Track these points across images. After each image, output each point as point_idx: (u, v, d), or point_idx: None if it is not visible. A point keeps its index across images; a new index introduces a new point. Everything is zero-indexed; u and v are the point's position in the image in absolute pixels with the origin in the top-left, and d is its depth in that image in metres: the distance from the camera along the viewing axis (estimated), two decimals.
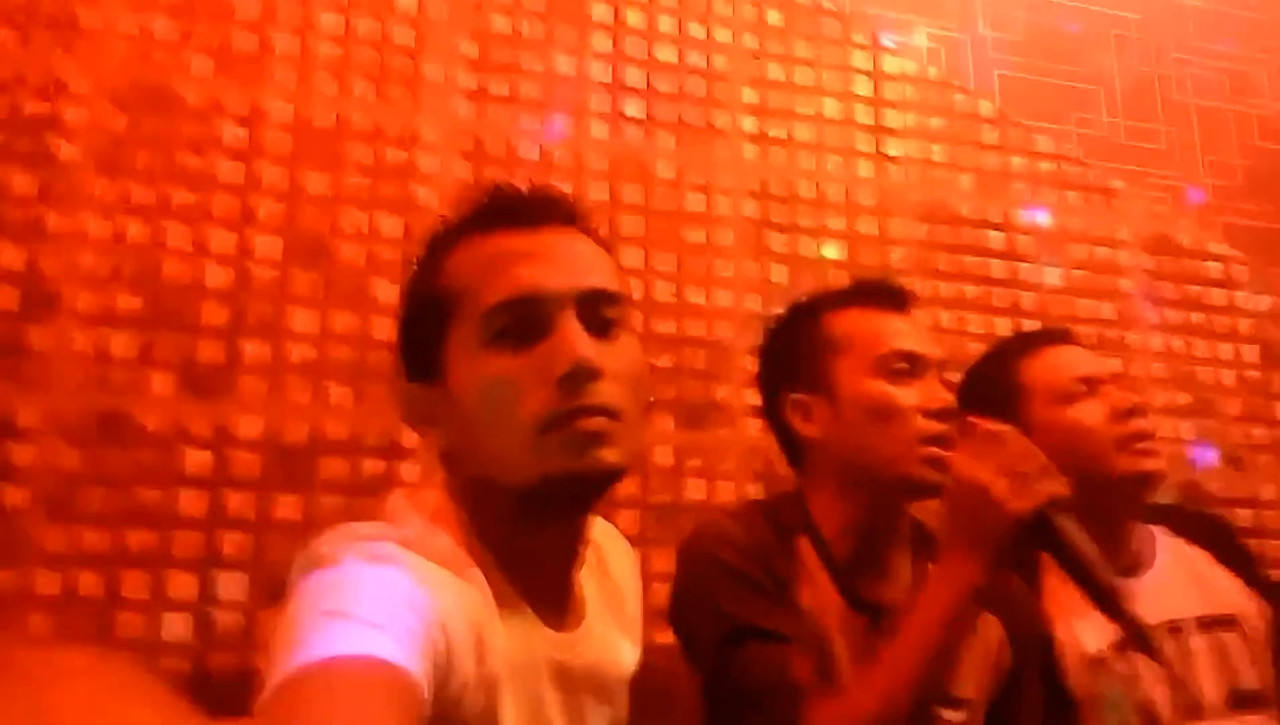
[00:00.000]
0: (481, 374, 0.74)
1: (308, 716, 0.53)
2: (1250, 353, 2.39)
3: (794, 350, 1.22)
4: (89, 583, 1.51)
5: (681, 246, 1.98)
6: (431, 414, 0.78)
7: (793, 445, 1.23)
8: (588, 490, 0.75)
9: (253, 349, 1.67)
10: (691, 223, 1.99)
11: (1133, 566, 1.32)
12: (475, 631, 0.68)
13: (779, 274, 2.03)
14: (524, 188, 0.82)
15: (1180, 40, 2.53)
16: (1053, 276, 2.26)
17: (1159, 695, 1.25)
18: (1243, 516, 2.26)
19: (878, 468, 1.13)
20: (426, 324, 0.78)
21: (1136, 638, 1.13)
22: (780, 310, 1.32)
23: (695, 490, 1.86)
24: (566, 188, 1.90)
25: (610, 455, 0.72)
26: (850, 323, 1.20)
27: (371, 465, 1.68)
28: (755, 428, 1.93)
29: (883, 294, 1.22)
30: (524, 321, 0.74)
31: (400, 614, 0.62)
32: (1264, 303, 2.44)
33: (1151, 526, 1.39)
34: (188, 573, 1.56)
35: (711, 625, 1.07)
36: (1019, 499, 1.01)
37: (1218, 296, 2.40)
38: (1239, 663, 1.30)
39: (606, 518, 1.76)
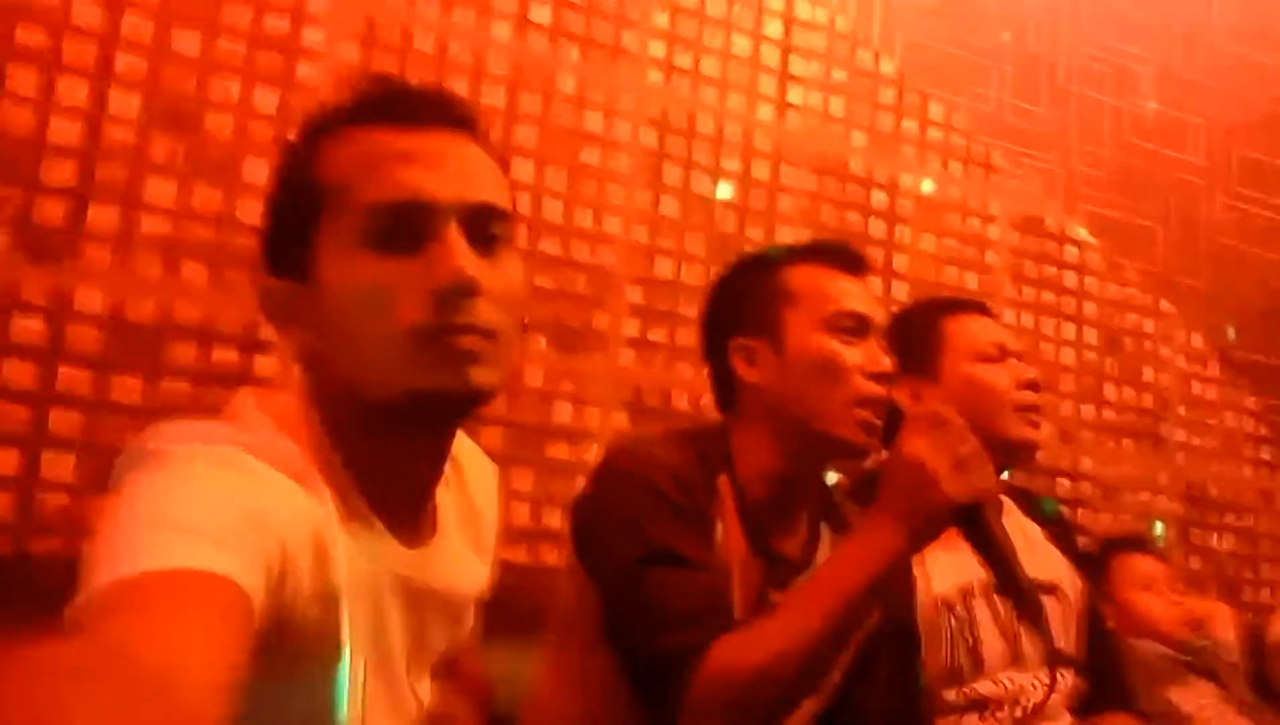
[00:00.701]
0: (354, 276, 0.69)
1: (123, 636, 0.49)
2: (1091, 336, 2.56)
3: (747, 297, 1.22)
4: None
5: (575, 167, 1.93)
6: (294, 312, 0.73)
7: (728, 387, 1.23)
8: (455, 409, 0.73)
9: (99, 214, 1.53)
10: (588, 143, 1.95)
11: None
12: (314, 544, 0.65)
13: (670, 207, 2.02)
14: (415, 85, 0.76)
15: (1076, 29, 2.62)
16: (928, 242, 2.33)
17: (990, 643, 1.36)
18: (1063, 487, 2.44)
19: (813, 420, 1.14)
20: (296, 217, 0.72)
21: (1046, 636, 1.18)
22: (732, 260, 1.32)
23: (562, 414, 1.85)
24: (462, 88, 1.82)
25: (482, 376, 0.69)
26: (805, 277, 1.20)
27: (224, 354, 1.59)
28: (630, 357, 1.94)
29: (840, 255, 1.23)
30: (405, 226, 0.69)
31: (229, 521, 0.58)
32: (1111, 290, 2.60)
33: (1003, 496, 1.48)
34: (10, 448, 1.44)
35: (631, 545, 1.07)
36: (958, 484, 1.03)
37: (1070, 279, 2.55)
38: (1055, 625, 1.41)
39: (469, 434, 1.75)
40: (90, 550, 0.55)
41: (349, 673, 0.68)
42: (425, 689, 0.79)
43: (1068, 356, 2.51)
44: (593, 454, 1.86)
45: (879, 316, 1.20)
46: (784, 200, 2.15)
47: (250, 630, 0.55)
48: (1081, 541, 2.33)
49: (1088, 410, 2.52)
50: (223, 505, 0.59)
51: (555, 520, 1.80)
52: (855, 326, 1.16)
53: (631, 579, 1.06)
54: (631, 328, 1.94)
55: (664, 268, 1.99)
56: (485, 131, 0.76)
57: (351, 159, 0.71)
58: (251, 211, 1.61)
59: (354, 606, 0.68)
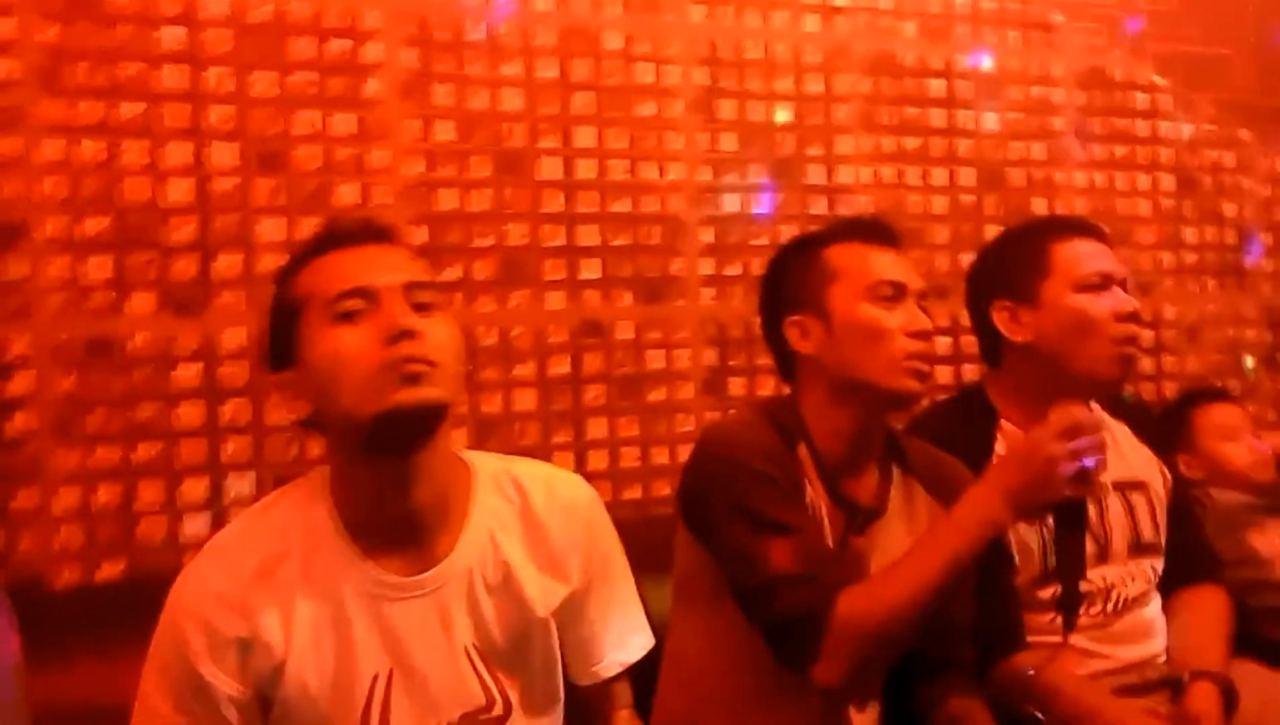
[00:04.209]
0: (330, 346, 0.95)
1: None
2: (1168, 182, 2.54)
3: (795, 278, 1.36)
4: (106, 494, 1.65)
5: (633, 122, 2.01)
6: (298, 390, 0.99)
7: (788, 361, 1.39)
8: (412, 422, 0.94)
9: (225, 262, 1.72)
10: (642, 97, 2.01)
11: None
12: (245, 635, 0.95)
13: (729, 142, 2.08)
14: (352, 219, 1.06)
15: None
16: (990, 121, 2.33)
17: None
18: (1147, 337, 2.50)
19: (867, 380, 1.28)
20: (285, 323, 0.99)
21: (1070, 615, 1.32)
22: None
23: (655, 360, 2.01)
24: (515, 70, 1.90)
25: (429, 392, 0.93)
26: (845, 255, 1.34)
27: None
28: (709, 297, 2.07)
29: (875, 230, 1.37)
30: (360, 304, 0.95)
31: (184, 695, 0.95)
32: (1185, 131, 2.56)
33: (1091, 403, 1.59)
34: (199, 478, 1.70)
35: (741, 523, 1.23)
36: (1076, 483, 1.17)
37: (1142, 128, 2.51)
38: (1142, 519, 1.55)
39: (577, 394, 1.91)
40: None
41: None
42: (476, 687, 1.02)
43: (1144, 208, 2.51)
44: (688, 393, 2.03)
45: (915, 282, 1.33)
46: (839, 111, 2.18)
47: None
48: (1168, 388, 2.44)
49: (1168, 258, 2.54)
50: (165, 673, 0.96)
51: (663, 457, 2.00)
52: (893, 293, 1.30)
53: (748, 552, 1.23)
54: (707, 267, 2.06)
55: (731, 203, 2.08)
56: (402, 238, 1.08)
57: (315, 274, 0.99)
58: None
59: (313, 627, 0.97)
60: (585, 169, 1.97)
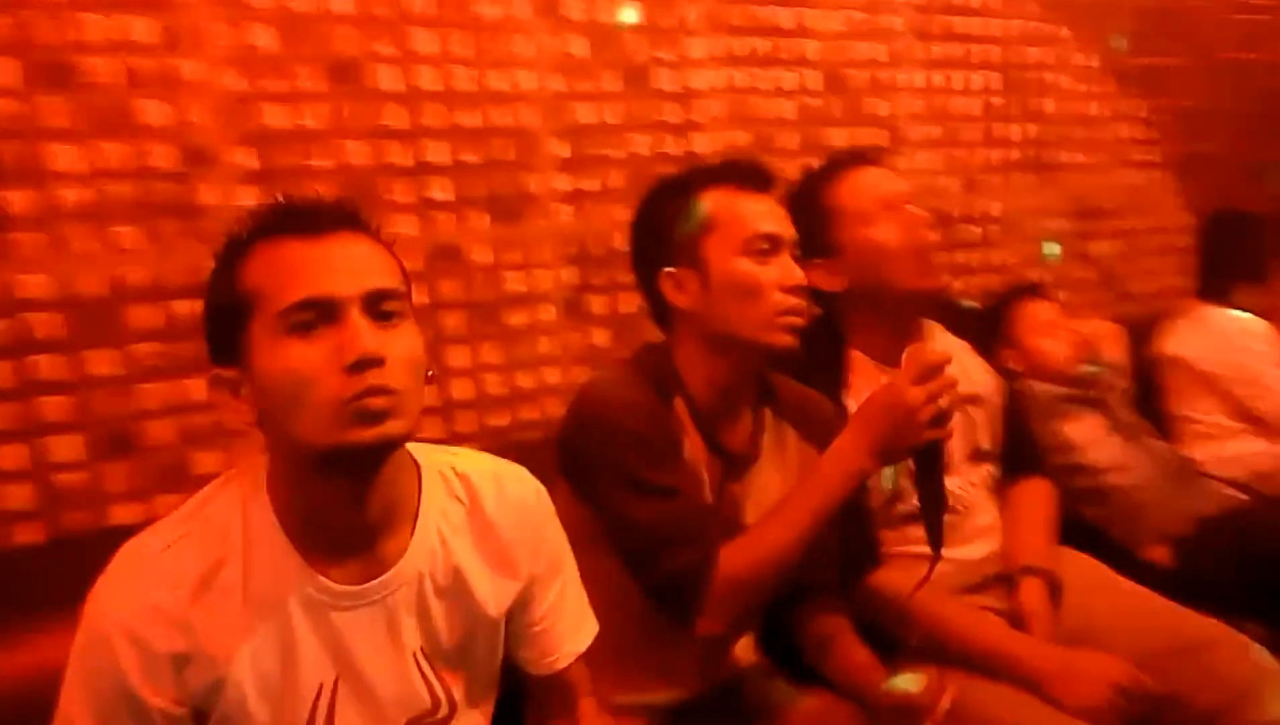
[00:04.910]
0: (282, 363, 0.85)
1: None
2: (995, 80, 2.63)
3: (667, 227, 1.33)
4: None
5: (477, 24, 1.85)
6: (241, 392, 0.89)
7: (663, 312, 1.36)
8: (372, 457, 0.89)
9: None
10: None
11: None
12: (183, 651, 0.87)
13: (579, 47, 1.96)
14: (311, 198, 0.92)
15: None
16: (834, 21, 2.31)
17: None
18: (973, 232, 2.63)
19: (743, 335, 1.29)
20: (230, 320, 0.89)
21: (934, 543, 1.35)
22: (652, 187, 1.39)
23: (516, 282, 1.93)
24: None
25: (393, 427, 0.86)
26: (719, 204, 1.31)
27: (182, 306, 1.61)
28: (567, 214, 1.98)
29: (749, 175, 1.34)
30: (316, 316, 0.86)
31: (95, 711, 0.86)
32: (1013, 27, 2.63)
33: (930, 322, 1.65)
34: (14, 443, 1.51)
35: (620, 484, 1.23)
36: (934, 431, 1.22)
37: (974, 25, 2.57)
38: (980, 430, 1.66)
39: (435, 323, 1.80)
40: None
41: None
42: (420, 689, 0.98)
43: (974, 106, 2.60)
44: (550, 315, 1.97)
45: (788, 232, 1.33)
46: (690, 12, 2.09)
47: None
48: (994, 281, 2.59)
49: (995, 155, 2.65)
50: (92, 697, 0.87)
51: (528, 382, 1.95)
52: (769, 247, 1.30)
53: (630, 515, 1.24)
54: (563, 183, 1.97)
55: (585, 114, 1.98)
56: (372, 225, 0.94)
57: (267, 268, 0.88)
58: (164, 155, 1.57)
59: (255, 641, 0.89)
60: (428, 78, 1.81)
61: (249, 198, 1.65)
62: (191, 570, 0.88)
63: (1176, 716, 1.41)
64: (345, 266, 0.87)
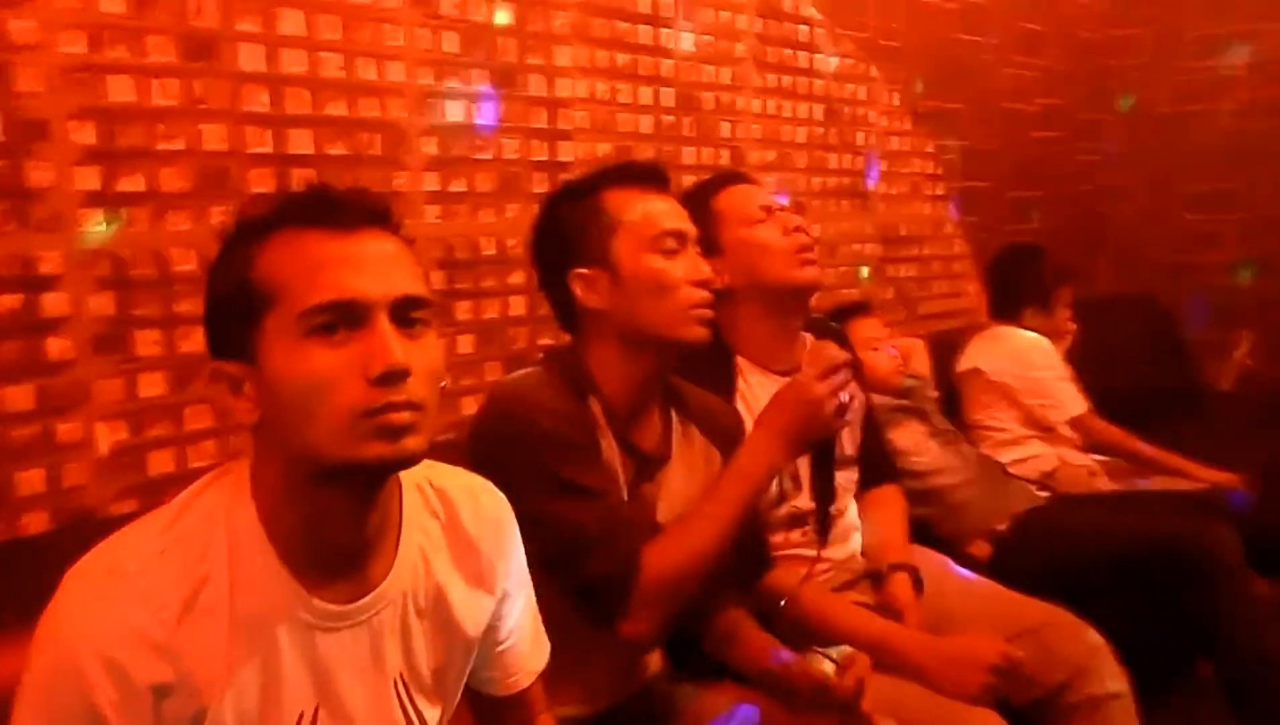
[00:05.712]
0: (300, 366, 0.79)
1: None
2: (818, 111, 2.81)
3: (575, 230, 1.32)
4: None
5: (346, 9, 1.74)
6: (245, 390, 0.82)
7: (571, 313, 1.35)
8: (384, 473, 0.85)
9: None
10: None
11: (795, 368, 1.66)
12: (167, 681, 0.77)
13: (450, 43, 1.90)
14: (339, 188, 0.86)
15: None
16: (687, 42, 2.38)
17: (803, 470, 1.62)
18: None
19: (656, 332, 1.31)
20: (242, 310, 0.81)
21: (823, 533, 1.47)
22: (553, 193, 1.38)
23: None
24: None
25: (413, 444, 0.80)
26: (624, 204, 1.32)
27: None
28: (434, 215, 1.91)
29: (649, 174, 1.36)
30: (341, 320, 0.79)
31: None
32: (833, 64, 2.83)
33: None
34: None
35: (537, 487, 1.20)
36: (839, 422, 1.29)
37: (803, 59, 2.74)
38: (845, 438, 1.73)
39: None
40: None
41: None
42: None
43: (801, 135, 2.76)
44: None
45: (692, 230, 1.37)
46: (557, 18, 2.08)
47: None
48: (818, 301, 2.76)
49: (818, 181, 2.83)
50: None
51: None
52: (677, 244, 1.33)
53: (551, 517, 1.21)
54: (431, 182, 1.89)
55: (454, 112, 1.92)
56: (399, 222, 0.88)
57: (289, 262, 0.80)
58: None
59: (244, 659, 0.81)
60: (293, 61, 1.68)
61: (87, 180, 1.46)
62: (174, 590, 0.77)
63: (1027, 694, 1.56)
64: (376, 268, 0.81)
